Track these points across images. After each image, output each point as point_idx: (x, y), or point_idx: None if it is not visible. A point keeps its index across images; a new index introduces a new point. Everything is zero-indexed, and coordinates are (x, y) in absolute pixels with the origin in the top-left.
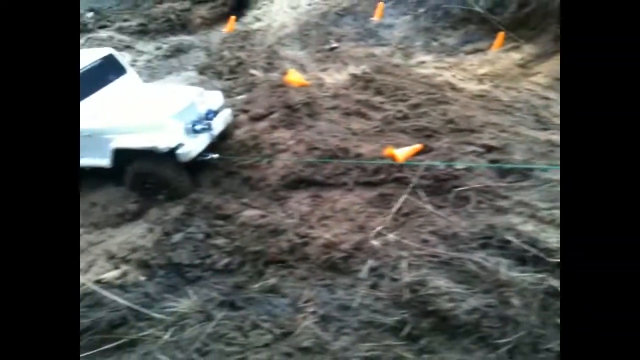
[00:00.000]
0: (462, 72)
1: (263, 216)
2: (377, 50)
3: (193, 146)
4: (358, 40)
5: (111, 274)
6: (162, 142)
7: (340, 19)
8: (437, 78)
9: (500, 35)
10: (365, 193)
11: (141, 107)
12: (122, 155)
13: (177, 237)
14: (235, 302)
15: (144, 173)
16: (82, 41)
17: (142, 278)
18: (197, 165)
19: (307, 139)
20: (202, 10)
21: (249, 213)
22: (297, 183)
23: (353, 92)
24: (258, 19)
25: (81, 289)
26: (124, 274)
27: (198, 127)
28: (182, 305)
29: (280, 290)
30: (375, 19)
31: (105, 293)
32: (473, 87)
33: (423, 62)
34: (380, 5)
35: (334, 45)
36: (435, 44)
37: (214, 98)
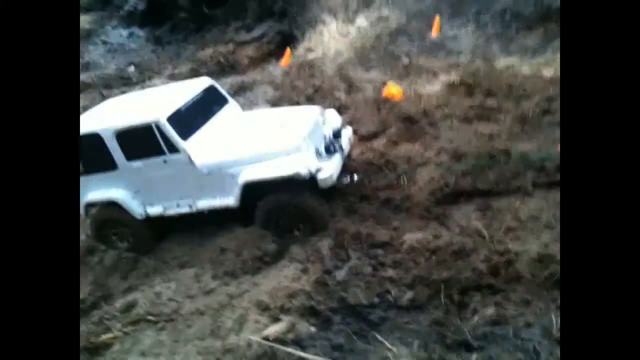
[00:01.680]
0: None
1: (436, 237)
2: (452, 60)
3: (332, 169)
4: (427, 54)
5: (275, 328)
6: (303, 168)
7: (395, 39)
8: (544, 75)
9: None
10: (551, 195)
11: (263, 135)
12: (252, 190)
13: (341, 274)
14: (469, 342)
15: (281, 207)
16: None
17: (313, 329)
18: (328, 192)
19: (448, 147)
20: (249, 51)
21: (413, 237)
22: (455, 197)
23: (458, 99)
24: (311, 50)
25: (251, 349)
26: (292, 326)
27: (332, 147)
28: (398, 354)
29: (508, 319)
30: (434, 34)
31: (294, 352)
32: None
33: (512, 66)
34: (437, 19)
35: (406, 62)
36: (513, 46)
37: (333, 116)
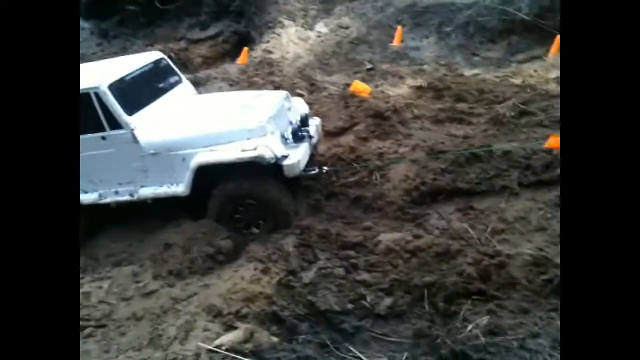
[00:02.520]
0: (531, 77)
1: (416, 237)
2: (417, 68)
3: (299, 156)
4: (390, 62)
5: (229, 337)
6: (268, 150)
7: (355, 47)
8: (513, 82)
9: (558, 38)
10: (540, 195)
11: (222, 114)
12: (206, 176)
13: (308, 275)
14: (468, 354)
15: (239, 196)
16: None
17: (275, 338)
18: (292, 187)
19: (423, 145)
20: (202, 49)
21: (389, 237)
22: (432, 196)
23: (427, 101)
24: (269, 51)
25: None
26: (250, 335)
27: (300, 134)
28: None
29: (506, 330)
30: (395, 44)
31: None
32: (555, 87)
33: (477, 74)
34: (399, 29)
35: (370, 66)
36: (477, 58)
37: (300, 103)
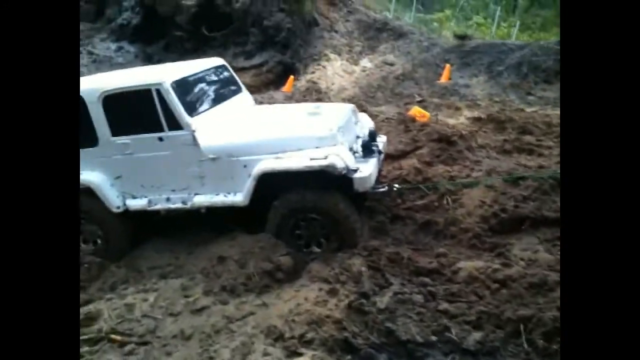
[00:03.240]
0: None
1: (505, 266)
2: (470, 102)
3: (370, 169)
4: (439, 97)
5: None
6: (340, 161)
7: (401, 82)
8: None
9: None
10: None
11: (289, 121)
12: (267, 186)
13: (383, 300)
14: None
15: (303, 209)
16: None
17: None
18: (356, 206)
19: (499, 170)
20: (247, 78)
21: (470, 265)
22: (513, 224)
23: (488, 133)
24: (314, 82)
25: None
26: None
27: (370, 147)
28: None
29: None
30: (443, 81)
31: None
32: None
33: (535, 111)
34: (448, 67)
35: (420, 99)
36: (532, 97)
37: (366, 118)
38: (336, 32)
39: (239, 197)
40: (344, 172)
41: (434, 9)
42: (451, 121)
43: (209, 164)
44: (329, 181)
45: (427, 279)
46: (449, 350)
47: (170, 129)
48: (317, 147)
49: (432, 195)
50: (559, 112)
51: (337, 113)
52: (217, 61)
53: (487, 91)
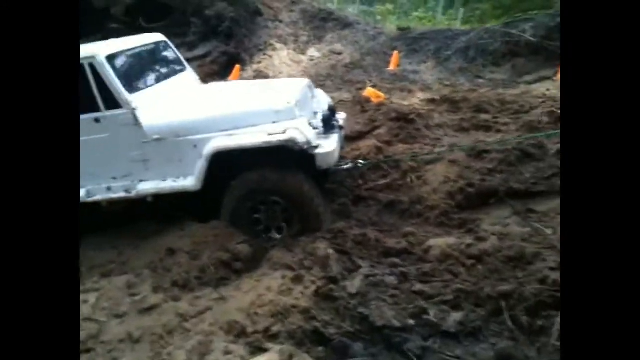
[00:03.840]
0: (548, 91)
1: (479, 240)
2: (421, 86)
3: (333, 146)
4: (390, 83)
5: None
6: (300, 135)
7: (351, 71)
8: (535, 94)
9: None
10: None
11: (242, 97)
12: (221, 168)
13: (354, 284)
14: None
15: (262, 191)
16: None
17: None
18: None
19: (461, 145)
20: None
21: (441, 242)
22: (481, 199)
23: (443, 113)
24: (260, 71)
25: None
26: (288, 358)
27: (331, 122)
28: None
29: None
30: (392, 68)
31: None
32: None
33: (488, 91)
34: (396, 54)
35: (372, 84)
36: (482, 80)
37: (323, 95)
38: (281, 22)
39: (189, 182)
40: (305, 147)
41: (376, 2)
42: (405, 103)
43: (154, 146)
44: (289, 160)
45: (397, 260)
46: (428, 334)
47: (108, 108)
48: (274, 122)
49: (395, 174)
50: (511, 92)
51: (292, 87)
52: (158, 37)
53: (437, 76)
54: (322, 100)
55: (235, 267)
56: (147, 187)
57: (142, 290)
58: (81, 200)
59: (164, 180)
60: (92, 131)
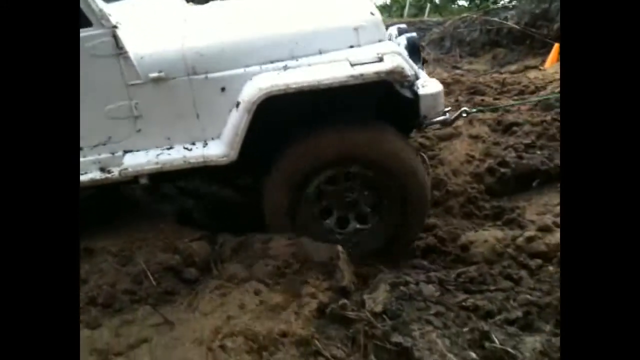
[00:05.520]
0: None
1: (544, 230)
2: None
3: (439, 86)
4: None
5: None
6: (404, 63)
7: None
8: (535, 76)
9: (557, 47)
10: None
11: (291, 11)
12: (272, 120)
13: (377, 297)
14: None
15: (345, 158)
16: None
17: None
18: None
19: (482, 117)
20: None
21: (487, 235)
22: (521, 181)
23: None
24: None
25: None
26: None
27: (419, 47)
28: None
29: None
30: None
31: None
32: None
33: (482, 74)
34: None
35: None
36: (459, 71)
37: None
38: None
39: (215, 149)
40: (412, 80)
41: None
42: None
43: (150, 90)
44: (367, 107)
45: (424, 261)
46: None
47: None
48: (350, 47)
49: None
50: (509, 74)
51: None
52: None
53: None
54: (391, 29)
55: (186, 276)
56: (140, 161)
57: None
58: None
59: (169, 149)
60: None
